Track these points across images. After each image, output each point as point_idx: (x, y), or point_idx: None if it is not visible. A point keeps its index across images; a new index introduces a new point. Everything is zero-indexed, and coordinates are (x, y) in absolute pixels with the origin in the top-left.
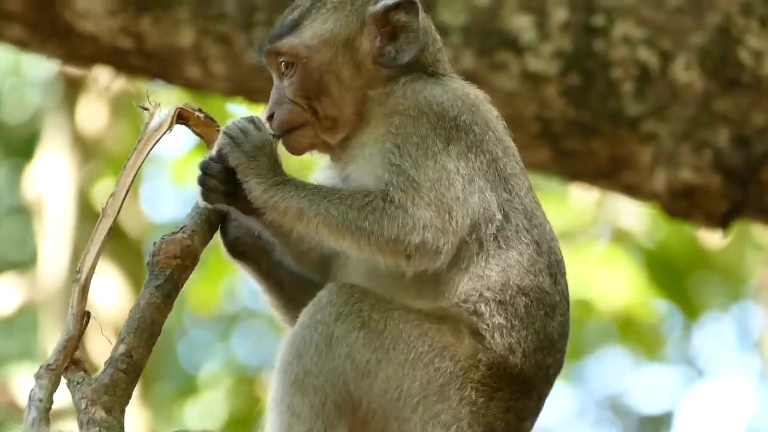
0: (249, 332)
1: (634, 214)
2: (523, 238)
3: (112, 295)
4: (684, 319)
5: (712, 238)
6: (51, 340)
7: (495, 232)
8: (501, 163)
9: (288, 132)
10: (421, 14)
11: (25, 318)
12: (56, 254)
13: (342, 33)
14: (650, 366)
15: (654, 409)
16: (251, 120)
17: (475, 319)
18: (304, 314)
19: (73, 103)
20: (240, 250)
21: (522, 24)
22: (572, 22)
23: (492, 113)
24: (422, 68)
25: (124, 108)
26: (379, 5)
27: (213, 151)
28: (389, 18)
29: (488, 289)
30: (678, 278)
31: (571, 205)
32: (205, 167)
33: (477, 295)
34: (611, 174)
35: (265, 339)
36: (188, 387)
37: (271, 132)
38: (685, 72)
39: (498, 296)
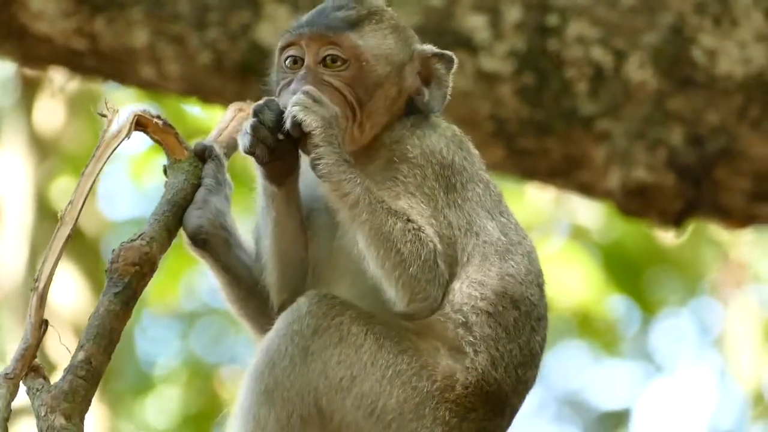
0: (208, 329)
1: (590, 211)
2: (519, 250)
3: (70, 293)
4: (642, 315)
5: (668, 235)
6: (9, 338)
7: (501, 249)
8: (492, 185)
9: None
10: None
11: None
12: (14, 253)
13: (399, 57)
14: (609, 361)
15: (613, 405)
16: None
17: (462, 332)
18: (282, 320)
19: (31, 102)
20: (202, 239)
21: (476, 24)
22: (526, 22)
23: (469, 143)
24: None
25: (82, 107)
26: (428, 47)
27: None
28: (431, 63)
29: (483, 298)
30: (635, 274)
31: (527, 202)
32: (259, 111)
33: (471, 305)
34: (566, 173)
35: (223, 336)
36: (146, 383)
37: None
38: (638, 71)
39: (490, 308)
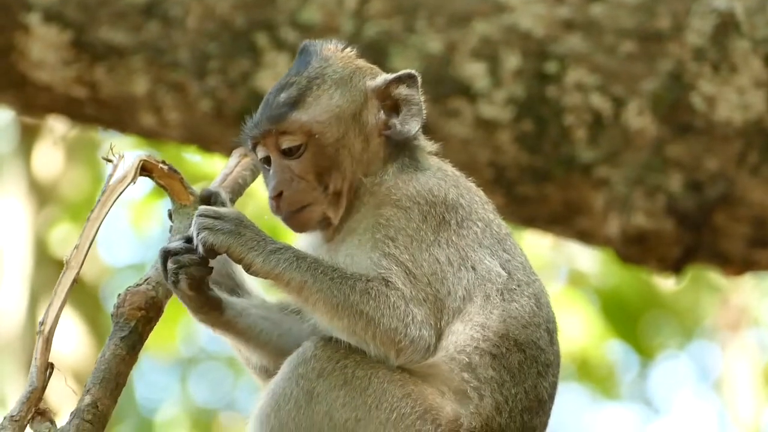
0: (206, 374)
1: (589, 257)
2: (525, 292)
3: (69, 339)
4: (640, 359)
5: (667, 282)
6: (9, 385)
7: (501, 286)
8: (494, 225)
9: (296, 211)
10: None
11: None
12: (14, 299)
13: (350, 107)
14: (608, 405)
15: None
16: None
17: (466, 375)
18: (287, 365)
19: (29, 148)
20: None
21: (475, 71)
22: (525, 69)
23: (469, 183)
24: (409, 141)
25: (80, 153)
26: (380, 79)
27: (176, 241)
28: (390, 92)
29: (485, 339)
30: (633, 319)
31: (526, 248)
32: (166, 248)
33: (473, 346)
34: (565, 220)
35: (222, 381)
36: (146, 430)
37: (278, 212)
38: (637, 118)
39: (493, 349)
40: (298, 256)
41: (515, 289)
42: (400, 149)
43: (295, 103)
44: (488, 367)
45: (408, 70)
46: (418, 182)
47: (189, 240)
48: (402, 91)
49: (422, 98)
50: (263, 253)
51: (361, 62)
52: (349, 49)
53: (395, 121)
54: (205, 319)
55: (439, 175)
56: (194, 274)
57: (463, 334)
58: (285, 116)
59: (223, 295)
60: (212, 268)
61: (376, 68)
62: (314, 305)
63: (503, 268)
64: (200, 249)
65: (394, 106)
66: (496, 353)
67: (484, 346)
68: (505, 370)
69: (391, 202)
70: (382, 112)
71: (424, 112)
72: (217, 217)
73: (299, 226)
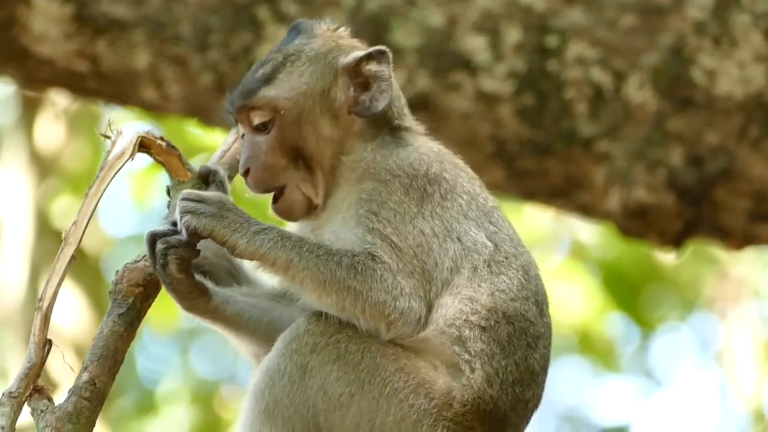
0: (207, 346)
1: (590, 229)
2: (513, 264)
3: (70, 311)
4: (641, 332)
5: (667, 255)
6: (9, 358)
7: (488, 258)
8: (480, 198)
9: (277, 198)
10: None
11: None
12: (14, 271)
13: (318, 85)
14: (609, 377)
15: (613, 421)
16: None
17: (457, 349)
18: (281, 341)
19: (31, 120)
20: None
21: (476, 45)
22: (526, 43)
23: (457, 160)
24: (389, 121)
25: (82, 126)
26: (350, 56)
27: (164, 224)
28: (361, 68)
29: (474, 313)
30: (634, 291)
31: (527, 220)
32: (153, 232)
33: (463, 319)
34: (565, 193)
35: (223, 354)
36: (148, 402)
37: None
38: (638, 92)
39: (482, 322)
40: (283, 236)
41: (503, 261)
42: (381, 127)
43: (268, 79)
44: (478, 340)
45: (379, 47)
46: (398, 156)
47: (175, 224)
48: (372, 67)
49: (392, 73)
50: (247, 234)
51: (345, 41)
52: (342, 29)
53: (364, 97)
54: (192, 306)
55: (422, 150)
56: (183, 255)
57: (451, 308)
58: (255, 92)
59: (209, 284)
60: (199, 251)
61: (359, 46)
62: (302, 283)
63: (490, 240)
64: (184, 233)
65: (365, 83)
66: (485, 326)
67: (473, 319)
68: (495, 343)
69: (371, 176)
70: (352, 89)
71: (394, 87)
72: (199, 200)
73: (285, 214)
